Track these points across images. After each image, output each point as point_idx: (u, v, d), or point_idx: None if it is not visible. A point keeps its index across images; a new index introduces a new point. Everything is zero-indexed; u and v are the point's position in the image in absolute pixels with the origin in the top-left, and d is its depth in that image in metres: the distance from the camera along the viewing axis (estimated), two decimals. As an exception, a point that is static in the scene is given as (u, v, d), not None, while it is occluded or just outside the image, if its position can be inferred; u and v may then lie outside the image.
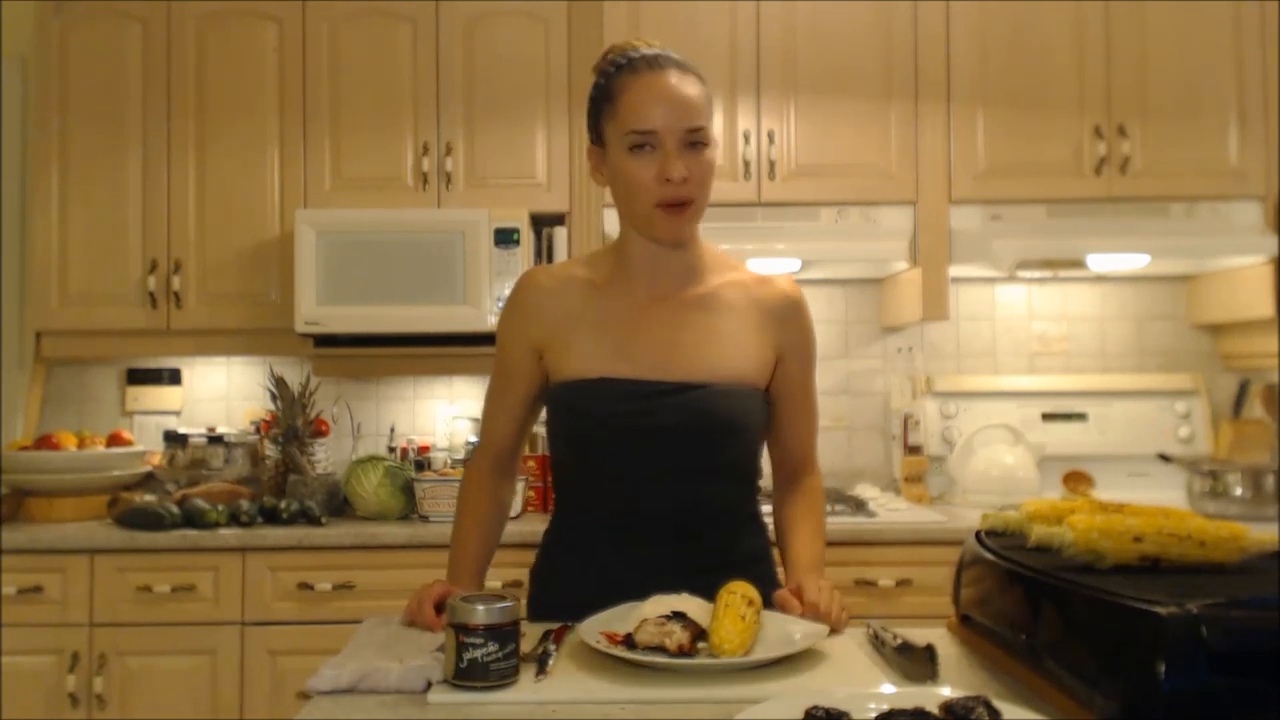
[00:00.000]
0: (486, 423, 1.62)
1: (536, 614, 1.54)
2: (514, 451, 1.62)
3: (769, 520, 1.60)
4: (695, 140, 1.42)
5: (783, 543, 1.56)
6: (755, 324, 1.51)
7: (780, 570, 1.57)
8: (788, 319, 1.54)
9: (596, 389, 1.46)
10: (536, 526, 1.68)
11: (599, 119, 1.47)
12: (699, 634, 1.20)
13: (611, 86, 1.45)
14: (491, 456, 1.60)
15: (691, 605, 1.25)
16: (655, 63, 1.43)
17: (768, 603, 1.32)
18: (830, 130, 2.94)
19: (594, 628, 1.25)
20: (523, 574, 1.65)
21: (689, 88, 1.42)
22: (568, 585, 1.51)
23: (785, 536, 1.56)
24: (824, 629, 1.28)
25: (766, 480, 1.63)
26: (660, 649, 1.17)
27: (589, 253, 1.66)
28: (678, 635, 1.17)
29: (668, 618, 1.21)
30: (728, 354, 1.48)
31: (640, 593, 1.30)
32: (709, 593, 1.27)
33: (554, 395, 1.51)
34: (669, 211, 1.42)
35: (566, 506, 1.58)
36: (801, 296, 1.57)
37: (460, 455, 3.09)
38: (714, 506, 1.49)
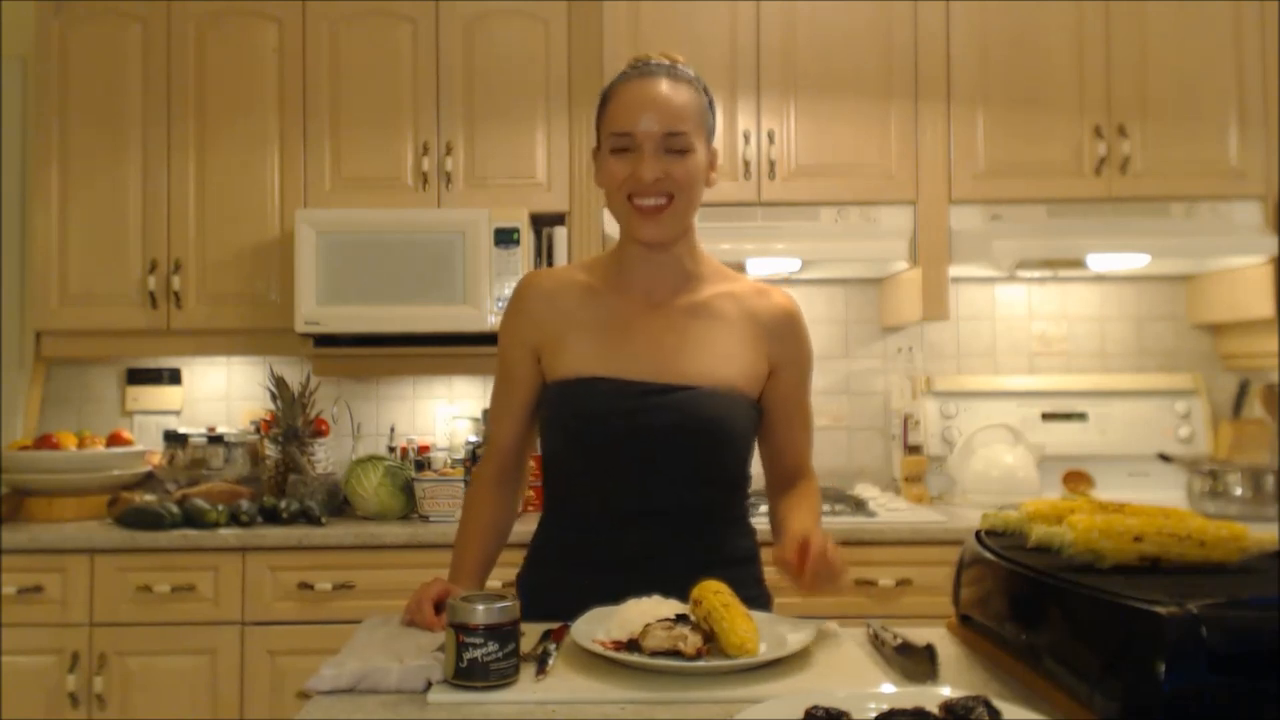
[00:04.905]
0: (490, 427, 1.63)
1: (529, 615, 1.53)
2: (518, 456, 1.62)
3: (757, 524, 1.60)
4: (675, 145, 1.45)
5: (777, 520, 1.55)
6: (748, 335, 1.52)
7: (769, 573, 1.57)
8: (783, 333, 1.55)
9: (586, 388, 1.47)
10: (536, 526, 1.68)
11: (599, 124, 1.52)
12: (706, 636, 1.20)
13: (608, 93, 1.51)
14: (496, 462, 1.61)
15: (665, 608, 1.25)
16: (648, 71, 1.48)
17: (755, 603, 1.34)
18: (830, 130, 2.94)
19: (581, 632, 1.24)
20: (523, 574, 1.65)
21: (675, 95, 1.46)
22: (556, 585, 1.50)
23: (780, 514, 1.55)
24: (820, 627, 1.28)
25: (756, 482, 1.63)
26: (674, 653, 1.16)
27: (591, 258, 1.68)
28: (692, 639, 1.17)
29: (674, 621, 1.20)
30: (717, 360, 1.49)
31: (626, 592, 1.30)
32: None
33: (546, 394, 1.53)
34: (644, 212, 1.46)
35: (554, 507, 1.59)
36: (797, 310, 1.58)
37: (460, 455, 3.09)
38: (700, 508, 1.49)
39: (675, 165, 1.45)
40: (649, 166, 1.43)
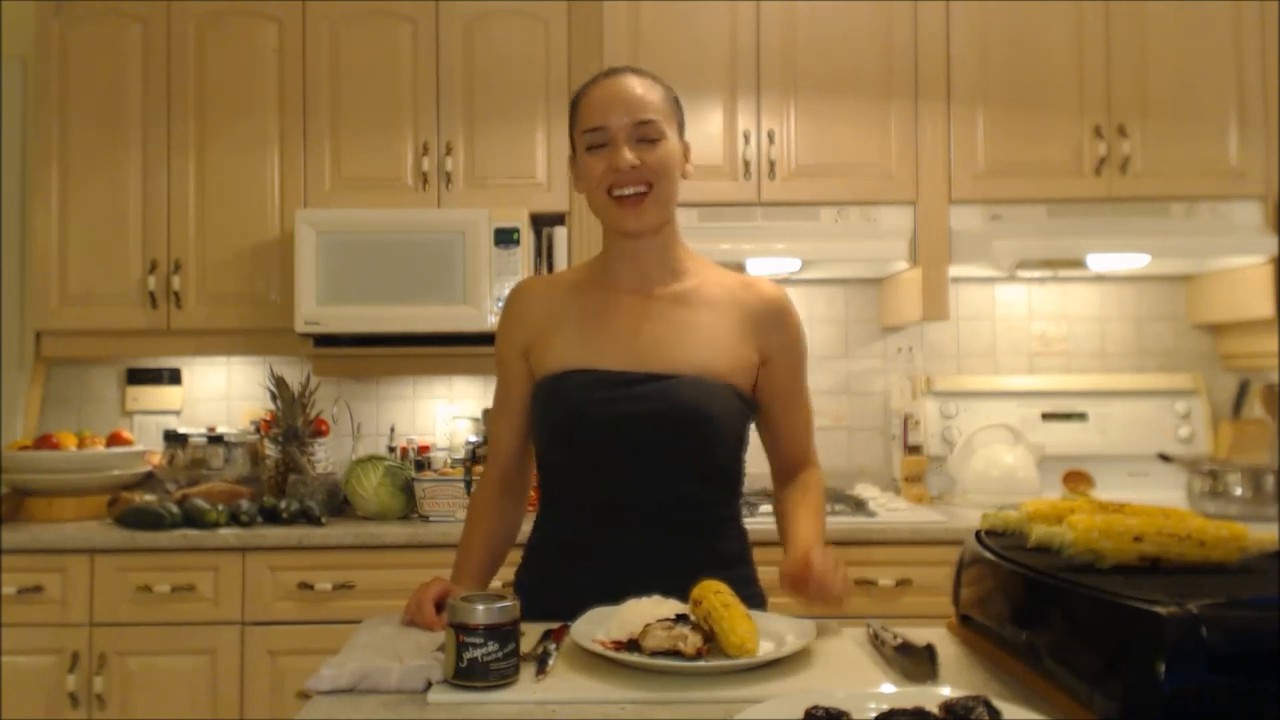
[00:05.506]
0: (491, 433, 1.64)
1: (527, 614, 1.53)
2: (520, 461, 1.63)
3: (749, 525, 1.60)
4: (647, 134, 1.48)
5: (782, 525, 1.55)
6: (735, 324, 1.52)
7: (763, 573, 1.57)
8: (772, 322, 1.55)
9: (567, 380, 1.48)
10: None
11: (572, 131, 1.55)
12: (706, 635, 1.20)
13: (576, 98, 1.55)
14: (499, 470, 1.62)
15: (665, 608, 1.25)
16: (612, 72, 1.54)
17: (749, 603, 1.34)
18: (830, 130, 2.94)
19: (581, 632, 1.24)
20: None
21: (640, 88, 1.51)
22: (553, 584, 1.50)
23: (784, 518, 1.55)
24: (814, 627, 1.28)
25: (753, 482, 1.63)
26: (674, 653, 1.16)
27: (581, 262, 1.69)
28: (692, 639, 1.17)
29: (674, 621, 1.20)
30: (700, 348, 1.49)
31: (620, 591, 1.31)
32: (685, 594, 1.27)
33: (535, 391, 1.54)
34: (625, 203, 1.49)
35: (548, 505, 1.59)
36: (786, 299, 1.58)
37: (460, 455, 3.09)
38: (688, 504, 1.48)
39: (649, 153, 1.48)
40: (624, 155, 1.46)
